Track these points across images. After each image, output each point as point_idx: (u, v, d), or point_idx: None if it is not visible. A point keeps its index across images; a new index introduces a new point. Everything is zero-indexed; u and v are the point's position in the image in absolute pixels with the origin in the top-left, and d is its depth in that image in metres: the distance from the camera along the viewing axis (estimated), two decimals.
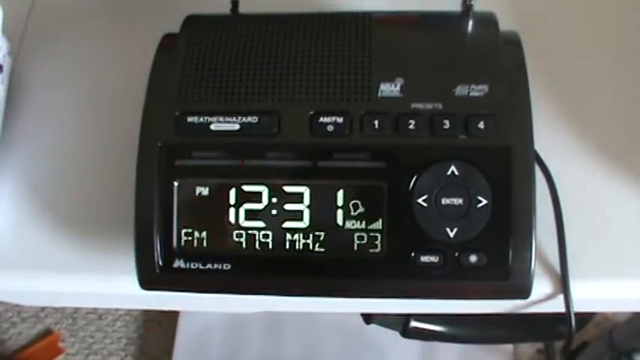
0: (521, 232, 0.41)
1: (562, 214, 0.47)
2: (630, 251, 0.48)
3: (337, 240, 0.42)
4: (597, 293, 0.48)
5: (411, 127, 0.42)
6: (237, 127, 0.43)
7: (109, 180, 0.51)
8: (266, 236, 0.43)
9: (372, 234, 0.42)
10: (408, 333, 0.74)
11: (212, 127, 0.43)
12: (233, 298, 0.48)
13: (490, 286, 0.43)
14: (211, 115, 0.44)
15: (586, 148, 0.50)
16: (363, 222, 0.42)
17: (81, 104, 0.55)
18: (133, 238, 0.43)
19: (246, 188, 0.43)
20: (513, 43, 0.45)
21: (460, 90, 0.43)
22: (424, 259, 0.42)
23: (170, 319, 1.33)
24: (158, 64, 0.46)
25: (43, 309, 1.38)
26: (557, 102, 0.52)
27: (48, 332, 1.38)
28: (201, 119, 0.44)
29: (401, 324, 0.74)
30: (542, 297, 0.48)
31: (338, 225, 0.42)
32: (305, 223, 0.42)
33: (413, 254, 0.42)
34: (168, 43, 0.47)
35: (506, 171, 0.42)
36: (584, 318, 0.76)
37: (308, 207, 0.42)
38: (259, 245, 0.43)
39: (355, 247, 0.42)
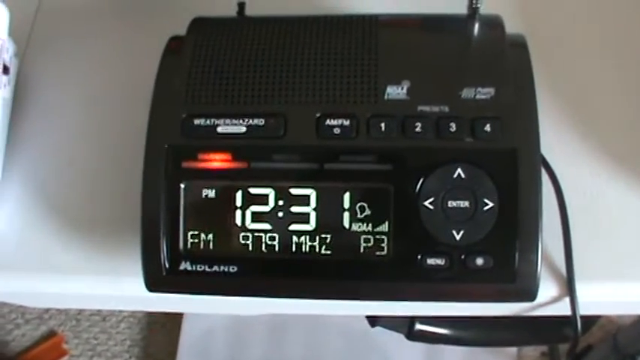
0: (528, 234, 0.41)
1: (568, 216, 0.47)
2: (636, 253, 0.48)
3: (343, 242, 0.42)
4: (603, 296, 0.48)
5: (417, 129, 0.42)
6: (243, 129, 0.43)
7: (116, 181, 0.52)
8: (272, 239, 0.43)
9: (378, 236, 0.42)
10: (413, 336, 0.74)
11: (218, 129, 0.44)
12: (239, 301, 0.48)
13: (496, 289, 0.43)
14: (218, 117, 0.44)
15: (592, 150, 0.50)
16: (370, 224, 0.42)
17: (87, 106, 0.55)
18: (140, 240, 0.43)
19: (253, 190, 0.43)
20: (519, 45, 0.45)
21: (466, 93, 0.43)
22: (430, 261, 0.42)
23: (174, 321, 1.33)
24: (165, 66, 0.46)
25: (47, 310, 1.39)
26: (563, 104, 0.52)
27: (52, 334, 1.38)
28: (208, 121, 0.44)
29: (406, 327, 0.74)
30: (548, 299, 0.48)
31: (344, 227, 0.42)
32: (311, 225, 0.43)
33: (419, 257, 0.42)
34: (174, 45, 0.47)
35: (512, 173, 0.42)
36: (590, 321, 0.76)
37: (314, 209, 0.42)
38: (265, 248, 0.43)
39: (361, 250, 0.42)
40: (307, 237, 0.43)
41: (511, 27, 0.46)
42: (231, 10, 0.50)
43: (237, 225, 0.43)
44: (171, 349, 1.31)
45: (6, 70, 0.52)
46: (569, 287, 0.46)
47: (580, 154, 0.50)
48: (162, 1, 0.58)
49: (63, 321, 1.39)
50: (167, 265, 0.43)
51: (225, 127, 0.44)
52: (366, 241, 0.42)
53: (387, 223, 0.42)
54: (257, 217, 0.43)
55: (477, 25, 0.46)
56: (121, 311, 1.38)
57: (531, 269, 0.42)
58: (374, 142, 0.43)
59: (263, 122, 0.43)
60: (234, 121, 0.44)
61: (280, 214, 0.43)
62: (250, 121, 0.43)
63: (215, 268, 0.43)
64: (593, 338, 1.12)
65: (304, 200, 0.43)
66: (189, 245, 0.43)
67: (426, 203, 0.42)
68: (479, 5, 0.45)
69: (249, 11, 0.50)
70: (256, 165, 0.43)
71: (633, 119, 0.51)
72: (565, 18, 0.55)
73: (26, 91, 0.56)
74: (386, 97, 0.43)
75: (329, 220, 0.42)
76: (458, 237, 0.42)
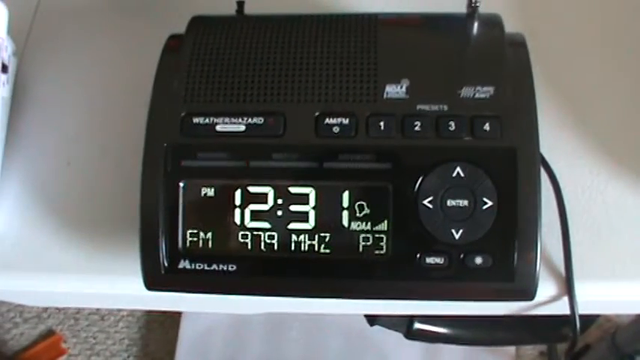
0: (527, 233, 0.41)
1: (567, 215, 0.47)
2: (635, 253, 0.48)
3: (342, 241, 0.42)
4: (602, 295, 0.48)
5: (416, 128, 0.42)
6: (242, 128, 0.43)
7: (114, 180, 0.52)
8: (271, 237, 0.43)
9: (377, 235, 0.42)
10: (411, 335, 0.74)
11: (218, 127, 0.44)
12: (237, 300, 0.48)
13: (495, 288, 0.43)
14: (217, 116, 0.44)
15: (591, 149, 0.50)
16: (369, 223, 0.42)
17: (86, 105, 0.55)
18: (138, 238, 0.43)
19: (252, 189, 0.43)
20: (519, 44, 0.46)
21: (466, 92, 0.43)
22: (429, 260, 0.42)
23: (172, 320, 1.33)
24: (164, 64, 0.46)
25: (45, 309, 1.39)
26: (562, 103, 0.52)
27: (50, 333, 1.38)
28: (207, 120, 0.44)
29: (405, 326, 0.74)
30: (546, 299, 0.48)
31: (343, 226, 0.42)
32: (310, 224, 0.43)
33: (418, 256, 0.42)
34: (173, 44, 0.47)
35: (511, 172, 0.42)
36: (588, 320, 0.76)
37: (313, 208, 0.42)
38: (265, 246, 0.43)
39: (360, 249, 0.42)
40: (306, 236, 0.43)
41: (510, 26, 0.46)
42: (230, 9, 0.50)
43: (236, 224, 0.43)
44: (169, 348, 1.31)
45: (4, 68, 0.52)
46: (567, 286, 0.46)
47: (579, 153, 0.50)
48: (161, 0, 0.58)
49: (61, 320, 1.38)
50: (166, 264, 0.43)
51: (224, 126, 0.44)
52: (365, 239, 0.42)
53: (386, 222, 0.42)
54: (256, 215, 0.43)
55: (476, 24, 0.46)
56: (119, 310, 1.38)
57: (530, 268, 0.42)
58: (373, 141, 0.43)
59: (262, 121, 0.43)
60: (234, 120, 0.44)
61: (279, 212, 0.43)
62: (249, 119, 0.43)
63: (214, 266, 0.43)
64: (592, 337, 1.12)
65: (303, 199, 0.43)
66: (188, 244, 0.43)
67: (425, 202, 0.42)
68: (478, 4, 0.45)
69: (248, 10, 0.50)
70: (255, 164, 0.43)
71: (633, 119, 0.51)
72: (564, 17, 0.55)
73: (25, 90, 0.56)
74: (385, 95, 0.43)
75: (328, 218, 0.42)
76: (457, 236, 0.42)
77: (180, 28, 0.48)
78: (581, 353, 0.99)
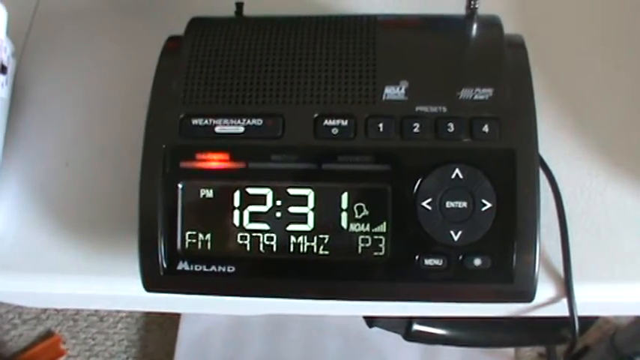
0: (526, 235, 0.41)
1: (566, 217, 0.47)
2: (634, 254, 0.48)
3: (341, 243, 0.42)
4: (601, 296, 0.48)
5: (415, 130, 0.42)
6: (241, 129, 0.43)
7: (113, 182, 0.52)
8: (270, 239, 0.43)
9: (376, 237, 0.42)
10: (410, 336, 0.74)
11: (216, 129, 0.44)
12: (236, 301, 0.48)
13: (494, 290, 0.43)
14: (216, 117, 0.44)
15: (590, 151, 0.50)
16: (368, 225, 0.42)
17: (85, 106, 0.55)
18: (137, 240, 0.43)
19: (251, 191, 0.43)
20: (518, 46, 0.46)
21: (464, 93, 0.43)
22: (428, 262, 0.42)
23: (171, 321, 1.33)
24: (162, 66, 0.46)
25: (44, 311, 1.39)
26: (561, 105, 0.52)
27: (49, 334, 1.38)
28: (206, 121, 0.44)
29: (403, 327, 0.74)
30: (545, 300, 0.48)
31: (342, 228, 0.42)
32: (309, 225, 0.42)
33: (417, 257, 0.42)
34: (172, 45, 0.47)
35: (510, 174, 0.42)
36: (587, 321, 0.76)
37: (312, 210, 0.42)
38: (263, 248, 0.43)
39: (359, 250, 0.42)
40: (305, 237, 0.43)
41: (509, 27, 0.46)
42: (229, 10, 0.50)
43: (235, 225, 0.43)
44: (168, 350, 1.31)
45: (3, 69, 0.52)
46: (566, 288, 0.46)
47: (578, 155, 0.50)
48: (160, 1, 0.58)
49: (60, 321, 1.38)
50: (165, 265, 0.43)
51: (223, 127, 0.44)
52: (364, 241, 0.42)
53: (384, 223, 0.42)
54: (255, 217, 0.43)
55: (475, 26, 0.46)
56: (118, 311, 1.38)
57: (529, 270, 0.41)
58: (372, 143, 0.42)
59: (261, 122, 0.43)
60: (232, 121, 0.44)
61: (278, 214, 0.43)
62: (248, 121, 0.43)
63: (213, 268, 0.43)
64: (591, 339, 1.12)
65: (302, 200, 0.42)
66: (186, 245, 0.43)
67: (424, 204, 0.42)
68: (477, 6, 0.45)
69: (247, 11, 0.50)
70: (254, 165, 0.43)
71: (632, 120, 0.51)
72: (563, 18, 0.55)
73: (24, 90, 0.56)
74: (384, 97, 0.43)
75: (327, 220, 0.42)
76: (456, 237, 0.42)
77: (179, 30, 0.48)
78: (580, 355, 0.99)
